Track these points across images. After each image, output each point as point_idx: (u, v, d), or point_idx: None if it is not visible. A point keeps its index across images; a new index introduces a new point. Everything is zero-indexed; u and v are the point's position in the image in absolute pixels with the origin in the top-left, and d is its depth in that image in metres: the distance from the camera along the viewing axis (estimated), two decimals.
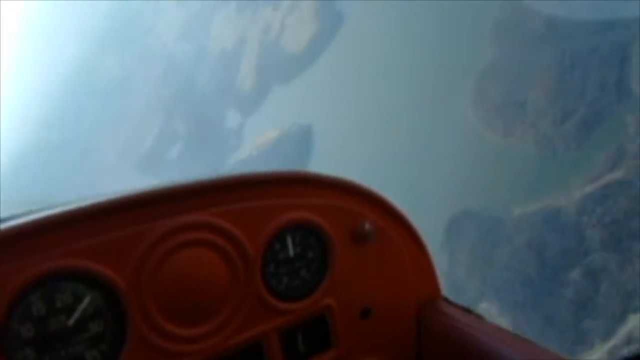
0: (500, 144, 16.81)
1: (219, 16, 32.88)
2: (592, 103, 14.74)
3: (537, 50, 17.14)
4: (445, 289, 1.62)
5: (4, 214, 1.25)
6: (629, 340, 10.59)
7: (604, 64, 14.96)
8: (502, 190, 15.22)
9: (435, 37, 20.15)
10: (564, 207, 13.50)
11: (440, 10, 20.33)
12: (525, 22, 18.03)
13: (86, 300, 1.19)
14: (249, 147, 26.69)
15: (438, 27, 20.37)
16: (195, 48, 33.69)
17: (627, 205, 12.15)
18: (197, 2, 34.27)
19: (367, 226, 1.45)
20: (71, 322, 1.18)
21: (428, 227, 1.83)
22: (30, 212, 1.23)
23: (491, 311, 12.79)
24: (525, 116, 16.46)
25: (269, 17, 29.97)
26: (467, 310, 1.54)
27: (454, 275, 14.29)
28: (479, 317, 1.51)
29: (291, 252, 1.40)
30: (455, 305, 1.56)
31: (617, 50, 14.85)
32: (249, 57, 30.11)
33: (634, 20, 14.17)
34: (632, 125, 13.39)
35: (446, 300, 1.59)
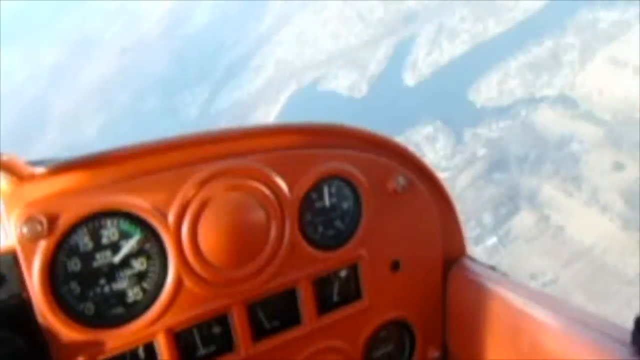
0: None
1: None
2: None
3: None
4: None
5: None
6: None
7: None
8: None
9: None
10: None
11: None
12: None
13: (132, 239, 1.22)
14: None
15: None
16: None
17: None
18: None
19: (401, 180, 1.48)
20: (116, 258, 1.22)
21: None
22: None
23: None
24: None
25: None
26: (492, 269, 1.57)
27: None
28: (504, 275, 1.55)
29: (327, 202, 1.43)
30: (481, 264, 1.60)
31: None
32: None
33: None
34: None
35: (471, 258, 1.63)
